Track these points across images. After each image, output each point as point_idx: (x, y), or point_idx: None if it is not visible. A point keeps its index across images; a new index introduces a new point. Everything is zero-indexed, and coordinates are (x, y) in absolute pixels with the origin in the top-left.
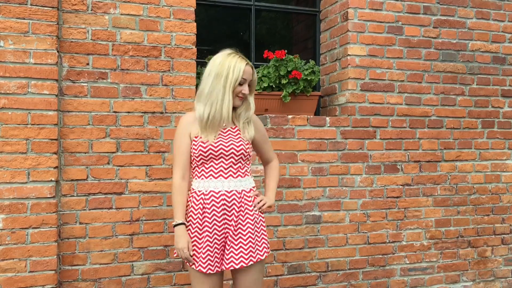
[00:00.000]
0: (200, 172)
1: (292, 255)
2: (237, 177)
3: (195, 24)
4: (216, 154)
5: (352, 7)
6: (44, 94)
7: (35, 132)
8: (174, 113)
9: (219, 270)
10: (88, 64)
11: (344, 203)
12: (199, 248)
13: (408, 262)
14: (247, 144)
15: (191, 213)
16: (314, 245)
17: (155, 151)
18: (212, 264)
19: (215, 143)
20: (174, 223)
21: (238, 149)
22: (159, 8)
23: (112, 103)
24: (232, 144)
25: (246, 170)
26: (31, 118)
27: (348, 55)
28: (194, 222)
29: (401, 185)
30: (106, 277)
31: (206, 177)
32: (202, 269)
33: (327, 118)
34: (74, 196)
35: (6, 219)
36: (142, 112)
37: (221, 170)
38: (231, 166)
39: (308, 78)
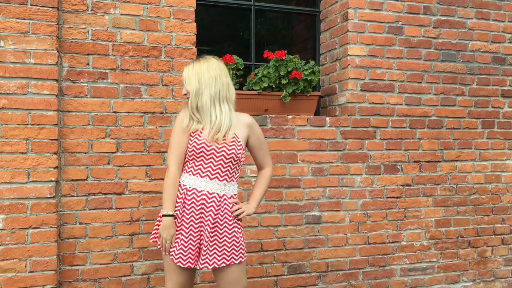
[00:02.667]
0: (190, 167)
1: (292, 255)
2: (222, 180)
3: (195, 24)
4: (207, 153)
5: (352, 7)
6: (44, 94)
7: (35, 132)
8: (174, 113)
9: (191, 266)
10: (88, 64)
11: (344, 203)
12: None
13: (408, 262)
14: (240, 149)
15: None
16: (314, 245)
17: (155, 151)
18: (184, 259)
19: (209, 142)
20: (164, 212)
21: (229, 152)
22: (159, 8)
23: (112, 103)
24: (224, 146)
25: (233, 176)
26: (31, 118)
27: (348, 55)
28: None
29: (401, 185)
30: (106, 277)
31: (194, 174)
32: (174, 259)
33: (327, 118)
34: (74, 196)
35: (6, 219)
36: (142, 112)
37: (208, 171)
38: (219, 168)
39: (308, 78)
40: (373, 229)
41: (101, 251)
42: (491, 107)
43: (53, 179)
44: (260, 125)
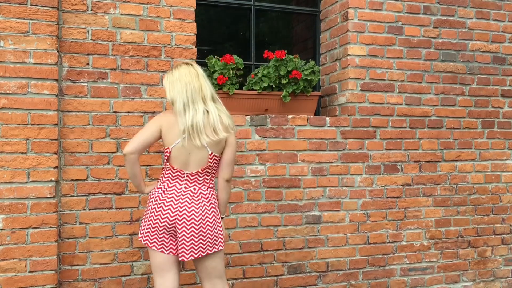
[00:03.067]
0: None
1: (292, 255)
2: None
3: (195, 24)
4: None
5: (352, 7)
6: (44, 94)
7: (35, 132)
8: None
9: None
10: (88, 64)
11: (344, 203)
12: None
13: (408, 262)
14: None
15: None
16: (314, 245)
17: (155, 151)
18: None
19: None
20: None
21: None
22: (159, 8)
23: (112, 103)
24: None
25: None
26: (31, 118)
27: (348, 55)
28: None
29: (401, 185)
30: (106, 277)
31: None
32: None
33: (327, 118)
34: (74, 196)
35: (6, 219)
36: (142, 112)
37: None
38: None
39: (308, 78)
40: (373, 229)
41: (101, 251)
42: (491, 107)
43: (53, 179)
44: (260, 125)
